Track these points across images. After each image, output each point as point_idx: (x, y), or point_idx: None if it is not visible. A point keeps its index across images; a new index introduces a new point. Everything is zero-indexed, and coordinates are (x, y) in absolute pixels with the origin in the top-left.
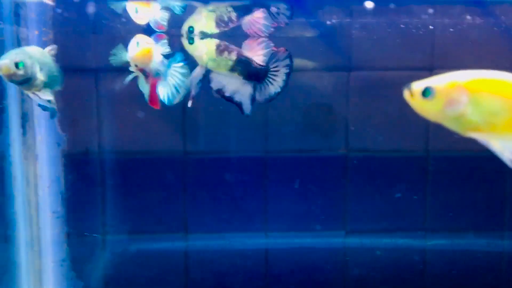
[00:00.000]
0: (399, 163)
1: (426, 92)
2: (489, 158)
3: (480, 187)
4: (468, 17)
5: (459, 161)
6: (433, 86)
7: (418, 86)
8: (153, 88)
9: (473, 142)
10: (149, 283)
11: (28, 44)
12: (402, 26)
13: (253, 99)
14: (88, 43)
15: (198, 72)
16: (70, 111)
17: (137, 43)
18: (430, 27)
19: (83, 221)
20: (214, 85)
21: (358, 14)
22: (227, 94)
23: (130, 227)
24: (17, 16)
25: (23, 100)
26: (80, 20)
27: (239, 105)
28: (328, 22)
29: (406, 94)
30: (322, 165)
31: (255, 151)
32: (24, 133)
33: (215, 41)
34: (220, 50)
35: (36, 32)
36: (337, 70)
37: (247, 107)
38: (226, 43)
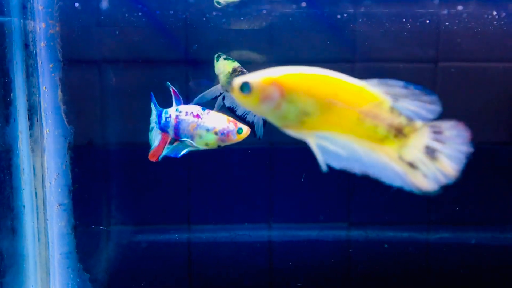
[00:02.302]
0: None
1: (243, 87)
2: (493, 150)
3: (485, 179)
4: (474, 9)
5: None
6: (249, 82)
7: (238, 81)
8: (163, 145)
9: (477, 133)
10: (153, 274)
11: (35, 37)
12: (407, 17)
13: (265, 122)
14: (97, 35)
15: (212, 89)
16: (76, 104)
17: (240, 129)
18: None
19: (89, 213)
20: (227, 102)
21: (362, 5)
22: (238, 112)
23: (134, 219)
24: (25, 9)
25: (31, 92)
26: (88, 12)
27: (251, 125)
28: (333, 13)
29: (230, 89)
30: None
31: (260, 143)
32: (31, 126)
33: (233, 65)
34: (235, 74)
35: (43, 25)
36: (341, 62)
37: (258, 129)
38: (243, 69)
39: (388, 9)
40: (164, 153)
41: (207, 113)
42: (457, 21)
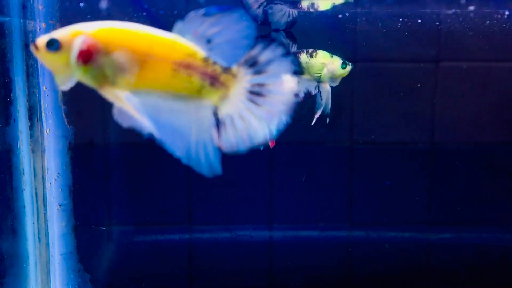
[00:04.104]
0: (404, 155)
1: (51, 44)
2: (494, 150)
3: (486, 179)
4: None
5: (465, 154)
6: (57, 37)
7: (43, 38)
8: None
9: (478, 134)
10: (154, 274)
11: (35, 37)
12: (408, 17)
13: None
14: None
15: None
16: (76, 104)
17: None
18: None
19: (90, 213)
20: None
21: (363, 4)
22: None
23: (135, 219)
24: (25, 9)
25: (31, 92)
26: (90, 12)
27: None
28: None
29: (32, 49)
30: (327, 158)
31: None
32: (31, 126)
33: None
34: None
35: (44, 25)
36: None
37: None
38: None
39: (390, 9)
40: None
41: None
42: (459, 20)
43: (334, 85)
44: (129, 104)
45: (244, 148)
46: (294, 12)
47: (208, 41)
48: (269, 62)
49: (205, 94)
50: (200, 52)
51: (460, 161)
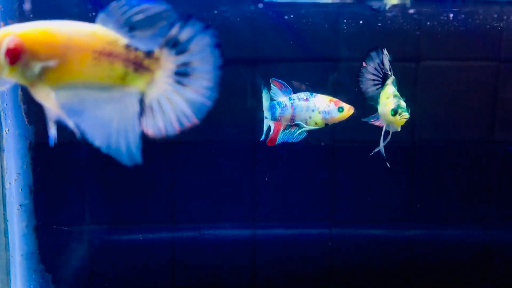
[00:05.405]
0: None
1: None
2: (473, 148)
3: (465, 177)
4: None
5: (445, 152)
6: None
7: None
8: (277, 132)
9: (459, 133)
10: (117, 274)
11: None
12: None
13: None
14: None
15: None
16: (37, 103)
17: (341, 108)
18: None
19: (51, 213)
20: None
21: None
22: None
23: (97, 218)
24: None
25: None
26: (50, 12)
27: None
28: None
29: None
30: (309, 156)
31: (244, 141)
32: None
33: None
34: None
35: (2, 24)
36: (322, 61)
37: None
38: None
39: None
40: (280, 139)
41: (314, 96)
42: (437, 20)
43: (391, 130)
44: (56, 102)
45: (172, 131)
46: None
47: (131, 29)
48: (190, 39)
49: (130, 81)
50: (122, 39)
51: (440, 159)
